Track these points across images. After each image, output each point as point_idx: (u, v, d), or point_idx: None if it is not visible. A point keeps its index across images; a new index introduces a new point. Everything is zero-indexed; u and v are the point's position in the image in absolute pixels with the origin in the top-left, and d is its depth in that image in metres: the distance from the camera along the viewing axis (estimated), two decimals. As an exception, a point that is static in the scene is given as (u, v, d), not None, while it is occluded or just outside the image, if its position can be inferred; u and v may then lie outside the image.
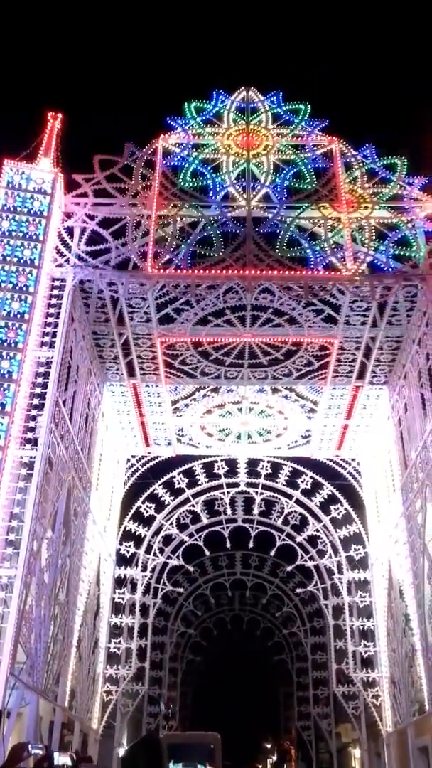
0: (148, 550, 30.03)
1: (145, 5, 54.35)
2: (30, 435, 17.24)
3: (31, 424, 17.36)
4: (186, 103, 22.38)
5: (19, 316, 17.98)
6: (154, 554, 30.22)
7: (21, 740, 15.27)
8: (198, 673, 49.43)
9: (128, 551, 29.36)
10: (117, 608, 28.56)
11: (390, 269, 19.86)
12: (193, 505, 30.80)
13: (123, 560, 29.24)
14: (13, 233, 18.90)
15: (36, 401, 17.65)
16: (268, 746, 63.53)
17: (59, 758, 13.09)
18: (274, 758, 61.47)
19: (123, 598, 28.72)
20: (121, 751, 28.20)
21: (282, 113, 22.44)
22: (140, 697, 29.91)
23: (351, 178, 21.34)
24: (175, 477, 30.38)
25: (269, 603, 43.01)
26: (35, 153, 20.25)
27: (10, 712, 15.23)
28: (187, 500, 30.72)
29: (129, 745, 27.73)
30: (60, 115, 21.06)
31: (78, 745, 21.72)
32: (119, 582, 29.05)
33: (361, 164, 21.51)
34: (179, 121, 22.10)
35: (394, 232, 20.31)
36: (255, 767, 67.68)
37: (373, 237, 20.24)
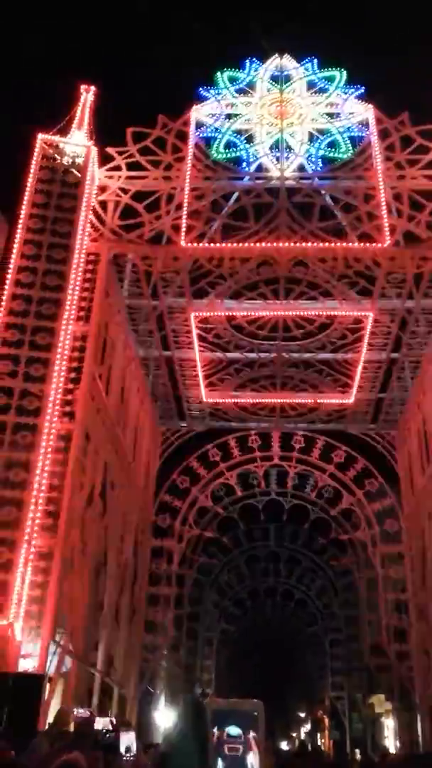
0: (184, 522, 30.36)
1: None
2: (67, 408, 17.46)
3: (68, 397, 17.57)
4: (218, 72, 22.02)
5: (54, 290, 18.12)
6: (189, 526, 30.54)
7: (62, 705, 15.75)
8: (232, 642, 50.09)
9: (164, 523, 29.73)
10: (154, 579, 29.03)
11: (427, 239, 19.51)
12: (227, 479, 30.96)
13: (159, 531, 29.65)
14: (47, 207, 18.95)
15: (73, 375, 17.85)
16: (302, 715, 64.41)
17: (99, 722, 13.48)
18: (308, 727, 62.34)
19: (159, 569, 29.16)
20: (158, 716, 28.85)
21: (317, 81, 21.95)
22: (176, 664, 30.49)
23: (387, 145, 20.91)
24: (209, 450, 30.54)
25: (303, 575, 43.28)
26: (68, 126, 20.22)
27: (52, 678, 15.68)
28: (221, 473, 30.89)
29: (180, 705, 28.25)
30: (93, 88, 20.95)
31: (116, 710, 22.29)
32: (156, 553, 29.48)
33: (397, 131, 21.05)
34: (212, 92, 21.81)
35: None
36: (289, 736, 68.71)
37: (410, 207, 19.88)
